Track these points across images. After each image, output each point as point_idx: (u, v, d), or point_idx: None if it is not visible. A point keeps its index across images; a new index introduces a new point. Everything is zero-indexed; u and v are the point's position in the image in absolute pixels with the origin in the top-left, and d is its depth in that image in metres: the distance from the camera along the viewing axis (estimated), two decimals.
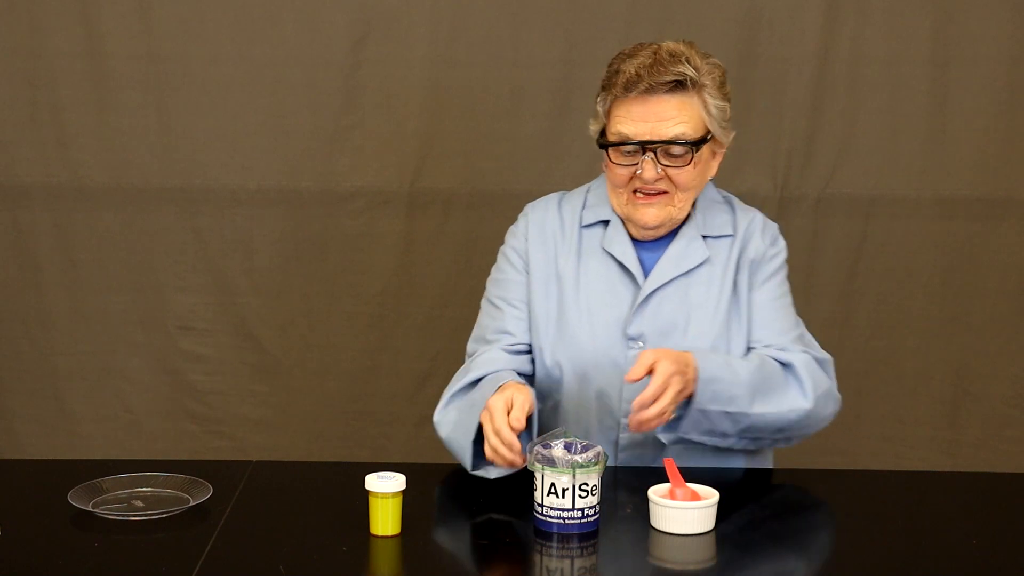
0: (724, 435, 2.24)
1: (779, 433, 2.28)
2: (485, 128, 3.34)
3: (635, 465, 2.31)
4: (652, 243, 2.35)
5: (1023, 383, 3.47)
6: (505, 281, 2.41)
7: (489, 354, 2.33)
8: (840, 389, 3.46)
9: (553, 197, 2.46)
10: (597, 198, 2.40)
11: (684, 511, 1.98)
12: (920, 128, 3.36)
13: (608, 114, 2.29)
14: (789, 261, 3.38)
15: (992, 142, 3.37)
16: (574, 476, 1.96)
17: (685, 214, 2.33)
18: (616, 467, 2.29)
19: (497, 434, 2.05)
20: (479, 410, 2.13)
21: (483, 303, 2.44)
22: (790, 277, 2.47)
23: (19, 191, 3.34)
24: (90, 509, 2.01)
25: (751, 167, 3.38)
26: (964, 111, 3.36)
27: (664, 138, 2.24)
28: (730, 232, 2.37)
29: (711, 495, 2.01)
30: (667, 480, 2.04)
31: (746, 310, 2.34)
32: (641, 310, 2.31)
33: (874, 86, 3.35)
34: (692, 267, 2.33)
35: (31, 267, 3.38)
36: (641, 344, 2.29)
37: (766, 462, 2.41)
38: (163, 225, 3.37)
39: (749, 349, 2.33)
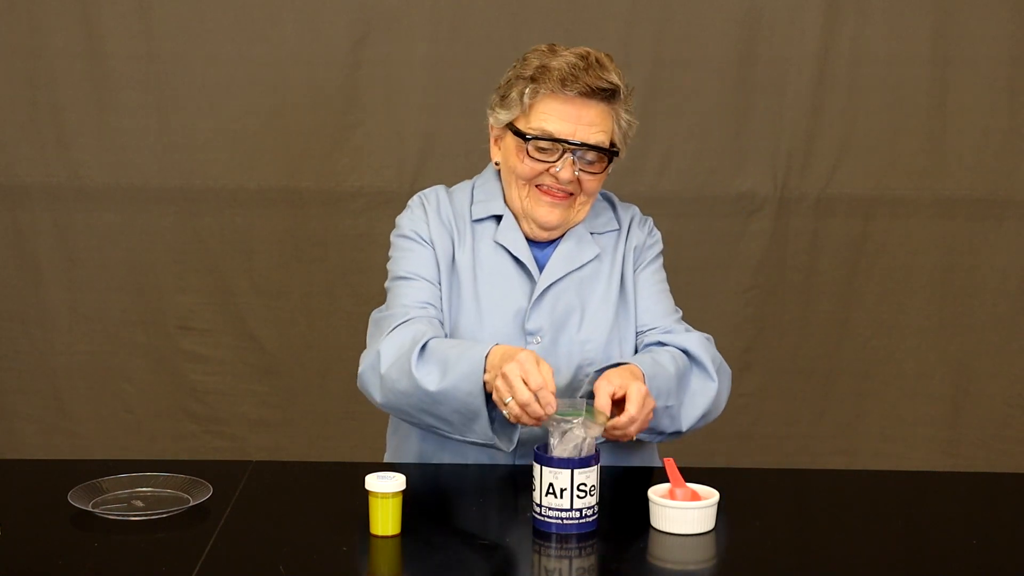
0: (661, 433, 2.25)
1: (701, 420, 2.28)
2: (485, 128, 3.33)
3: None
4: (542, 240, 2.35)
5: (1023, 383, 3.47)
6: (414, 258, 2.33)
7: (431, 322, 2.23)
8: (840, 389, 3.50)
9: (440, 189, 2.42)
10: (486, 193, 2.38)
11: (684, 511, 1.98)
12: (920, 128, 3.36)
13: (531, 107, 2.27)
14: (791, 260, 3.42)
15: (992, 142, 3.37)
16: (586, 419, 1.95)
17: (582, 218, 2.33)
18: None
19: (539, 391, 1.96)
20: (479, 367, 2.06)
21: (390, 284, 2.34)
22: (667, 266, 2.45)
23: (19, 191, 3.34)
24: (90, 509, 2.01)
25: (751, 167, 3.38)
26: (964, 111, 3.36)
27: (590, 142, 2.23)
28: (615, 227, 2.39)
29: (711, 495, 2.01)
30: (667, 480, 2.04)
31: (633, 297, 2.35)
32: (538, 304, 2.30)
33: (874, 86, 3.35)
34: (584, 263, 2.33)
35: (31, 267, 3.38)
36: (539, 339, 2.29)
37: (655, 461, 2.40)
38: (163, 225, 3.37)
39: (637, 335, 2.34)
